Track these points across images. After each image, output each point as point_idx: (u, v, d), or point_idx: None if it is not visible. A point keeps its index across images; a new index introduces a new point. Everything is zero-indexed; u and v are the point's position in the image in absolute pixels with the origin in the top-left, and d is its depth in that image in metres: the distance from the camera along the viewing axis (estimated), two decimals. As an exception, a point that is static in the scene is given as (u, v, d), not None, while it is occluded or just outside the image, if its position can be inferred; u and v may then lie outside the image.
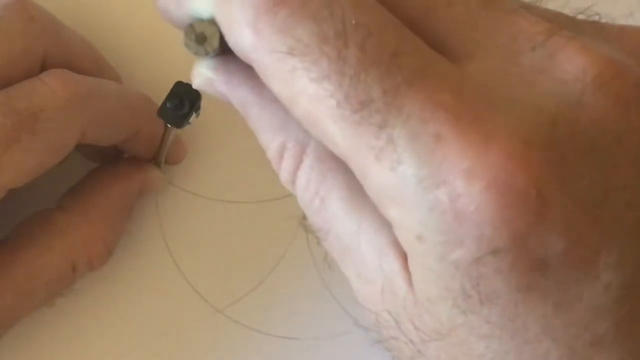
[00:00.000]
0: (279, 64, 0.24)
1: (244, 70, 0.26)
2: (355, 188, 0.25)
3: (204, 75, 0.27)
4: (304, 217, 0.26)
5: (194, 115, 0.32)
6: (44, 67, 0.36)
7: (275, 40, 0.24)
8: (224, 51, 0.25)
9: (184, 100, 0.31)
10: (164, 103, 0.31)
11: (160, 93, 0.38)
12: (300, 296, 0.39)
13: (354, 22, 0.24)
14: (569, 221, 0.23)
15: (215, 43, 0.25)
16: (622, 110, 0.23)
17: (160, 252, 0.40)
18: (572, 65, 0.24)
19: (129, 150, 0.39)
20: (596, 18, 0.27)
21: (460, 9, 0.25)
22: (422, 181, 0.23)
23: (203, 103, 0.33)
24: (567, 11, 0.26)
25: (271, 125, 0.26)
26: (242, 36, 0.24)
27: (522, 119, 0.23)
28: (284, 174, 0.26)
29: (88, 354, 0.39)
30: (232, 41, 0.25)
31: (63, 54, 0.37)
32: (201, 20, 0.25)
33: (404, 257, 0.24)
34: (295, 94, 0.24)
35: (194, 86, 0.27)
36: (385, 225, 0.24)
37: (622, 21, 0.27)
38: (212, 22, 0.25)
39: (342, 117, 0.23)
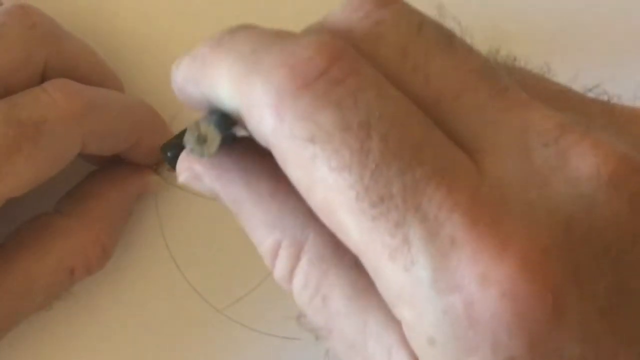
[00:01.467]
0: (299, 150, 0.23)
1: (237, 164, 0.25)
2: (358, 284, 0.25)
3: (193, 170, 0.26)
4: (301, 315, 0.26)
5: None
6: (45, 73, 0.36)
7: (297, 126, 0.23)
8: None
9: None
10: (165, 149, 0.30)
11: (162, 100, 0.38)
12: (301, 296, 0.39)
13: (377, 113, 0.23)
14: (586, 327, 0.22)
15: (214, 149, 0.24)
16: (637, 209, 0.23)
17: (160, 252, 0.40)
18: (585, 164, 0.23)
19: (129, 158, 0.38)
20: (604, 97, 0.26)
21: (469, 101, 0.24)
22: (435, 284, 0.22)
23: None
24: (576, 87, 0.26)
25: (265, 223, 0.26)
26: (263, 120, 0.23)
27: (536, 223, 0.22)
28: (279, 272, 0.26)
29: (88, 354, 0.39)
30: (251, 124, 0.24)
31: (64, 61, 0.36)
32: (208, 122, 0.24)
33: (415, 357, 0.24)
34: (314, 183, 0.23)
35: (179, 181, 0.26)
36: (394, 322, 0.24)
37: (629, 97, 0.26)
38: (218, 127, 0.24)
39: (360, 211, 0.23)
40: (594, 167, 0.23)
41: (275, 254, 0.26)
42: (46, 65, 0.35)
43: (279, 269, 0.26)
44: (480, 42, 0.26)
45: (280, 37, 0.25)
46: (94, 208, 0.37)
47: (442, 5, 0.26)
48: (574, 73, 0.28)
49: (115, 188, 0.38)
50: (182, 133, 0.30)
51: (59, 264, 0.36)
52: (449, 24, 0.25)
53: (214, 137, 0.24)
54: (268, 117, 0.23)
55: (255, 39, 0.25)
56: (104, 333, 0.39)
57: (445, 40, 0.25)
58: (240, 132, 0.25)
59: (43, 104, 0.34)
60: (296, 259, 0.25)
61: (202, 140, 0.24)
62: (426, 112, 0.24)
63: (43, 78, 0.35)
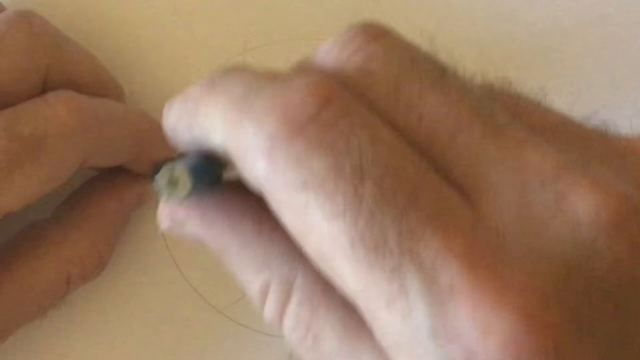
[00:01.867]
0: (293, 196, 0.22)
1: (219, 206, 0.25)
2: (349, 323, 0.24)
3: (174, 216, 0.26)
4: (292, 354, 0.26)
5: None
6: (46, 81, 0.35)
7: (290, 172, 0.22)
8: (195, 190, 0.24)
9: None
10: (156, 171, 0.30)
11: (163, 104, 0.38)
12: (300, 296, 0.39)
13: (370, 156, 0.22)
14: None
15: (183, 194, 0.24)
16: (638, 253, 0.22)
17: (161, 252, 0.40)
18: (584, 207, 0.22)
19: (129, 169, 0.38)
20: (602, 125, 0.25)
21: (464, 140, 0.23)
22: (434, 333, 0.22)
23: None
24: (573, 113, 0.25)
25: (252, 264, 0.25)
26: (255, 165, 0.23)
27: (536, 270, 0.22)
28: (270, 313, 0.25)
29: (88, 354, 0.39)
30: (244, 170, 0.24)
31: (66, 70, 0.36)
32: (184, 167, 0.24)
33: None
34: (308, 229, 0.23)
35: (162, 229, 0.26)
36: None
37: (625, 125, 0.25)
38: (192, 174, 0.24)
39: (355, 258, 0.22)
40: (594, 209, 0.22)
41: (264, 295, 0.25)
42: (48, 73, 0.35)
43: (269, 310, 0.25)
44: (475, 65, 0.25)
45: (272, 78, 0.24)
46: (91, 216, 0.37)
47: (434, 36, 0.25)
48: (570, 99, 0.27)
49: (113, 197, 0.38)
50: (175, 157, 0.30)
51: (54, 272, 0.36)
52: (442, 55, 0.24)
53: (185, 184, 0.24)
54: (260, 163, 0.23)
55: (248, 81, 0.24)
56: (103, 333, 0.39)
57: (439, 75, 0.24)
58: (230, 174, 0.25)
59: (45, 117, 0.33)
60: (286, 299, 0.25)
61: (172, 183, 0.24)
62: (420, 152, 0.23)
63: (44, 86, 0.35)
